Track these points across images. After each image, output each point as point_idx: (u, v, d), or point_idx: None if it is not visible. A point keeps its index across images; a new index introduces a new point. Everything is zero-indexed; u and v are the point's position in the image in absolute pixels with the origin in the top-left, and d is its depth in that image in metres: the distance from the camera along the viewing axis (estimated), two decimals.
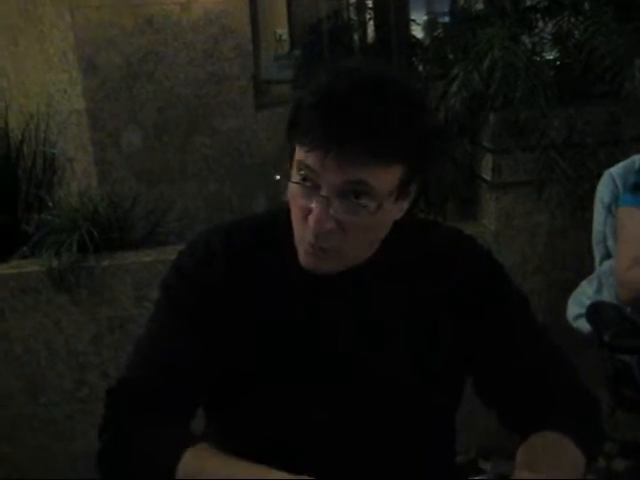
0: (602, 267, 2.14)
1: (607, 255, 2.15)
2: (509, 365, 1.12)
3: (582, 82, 2.52)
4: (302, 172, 0.98)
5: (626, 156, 2.18)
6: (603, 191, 2.15)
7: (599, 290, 2.11)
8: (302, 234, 1.02)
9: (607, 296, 2.06)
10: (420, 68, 3.08)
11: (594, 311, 1.97)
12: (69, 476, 2.58)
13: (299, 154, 0.98)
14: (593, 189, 2.22)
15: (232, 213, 3.02)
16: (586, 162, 2.45)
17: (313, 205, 0.97)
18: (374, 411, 1.10)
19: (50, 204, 2.66)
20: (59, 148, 2.97)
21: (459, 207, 2.69)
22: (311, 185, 0.98)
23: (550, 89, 2.37)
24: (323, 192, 0.96)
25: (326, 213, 0.97)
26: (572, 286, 2.23)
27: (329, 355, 1.09)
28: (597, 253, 2.18)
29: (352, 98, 0.94)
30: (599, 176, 2.20)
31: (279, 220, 1.12)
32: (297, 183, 0.99)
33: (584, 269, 2.28)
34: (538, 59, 2.53)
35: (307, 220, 0.99)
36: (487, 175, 2.51)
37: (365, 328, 1.10)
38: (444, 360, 1.12)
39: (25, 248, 2.55)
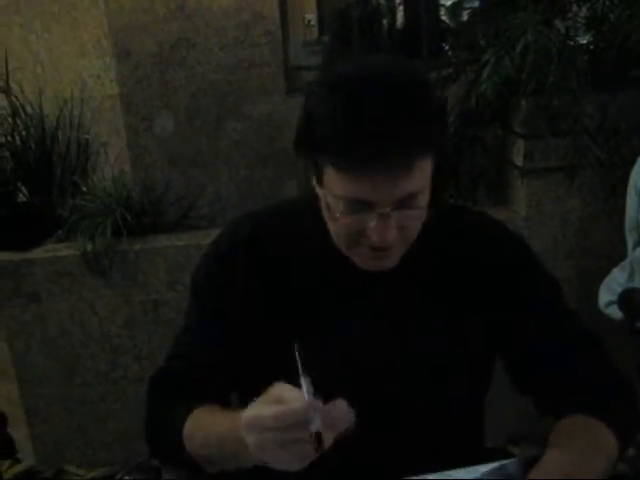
0: (635, 254, 2.12)
1: None
2: (541, 350, 1.12)
3: (616, 67, 2.48)
4: (347, 199, 0.97)
5: None
6: (637, 177, 2.13)
7: (631, 277, 2.09)
8: (355, 245, 1.03)
9: (639, 283, 2.04)
10: (450, 54, 3.06)
11: (626, 298, 1.95)
12: (103, 455, 2.64)
13: (335, 178, 0.96)
14: (626, 175, 2.20)
15: (263, 198, 3.04)
16: (620, 148, 2.42)
17: (371, 223, 0.98)
18: (404, 395, 1.11)
19: (84, 189, 2.70)
20: (93, 134, 3.01)
21: (489, 193, 2.68)
22: (360, 208, 0.98)
23: (583, 74, 2.34)
24: (380, 210, 0.97)
25: (388, 227, 0.98)
26: (603, 273, 2.21)
27: (360, 342, 1.10)
28: (630, 240, 2.16)
29: (384, 113, 0.92)
30: (633, 162, 2.17)
31: (308, 207, 1.13)
32: (346, 214, 0.99)
33: (616, 256, 2.26)
34: (572, 43, 2.49)
35: (360, 233, 1.00)
36: (518, 161, 2.50)
37: (396, 315, 1.11)
38: (474, 346, 1.13)
39: (60, 232, 2.60)
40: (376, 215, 0.97)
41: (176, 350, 1.17)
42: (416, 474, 1.03)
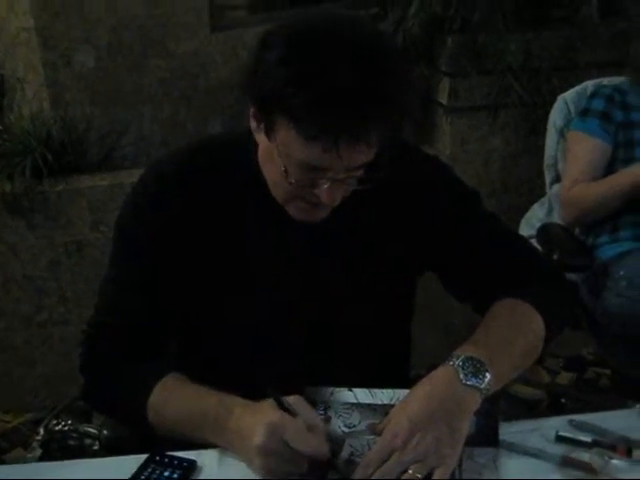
0: (552, 190, 2.19)
1: (557, 179, 2.20)
2: (471, 253, 1.16)
3: (540, 6, 2.52)
4: (303, 162, 0.96)
5: (580, 82, 2.20)
6: (556, 116, 2.18)
7: (549, 212, 2.17)
8: (295, 199, 1.03)
9: (557, 218, 2.12)
10: None
11: (544, 232, 2.03)
12: (31, 400, 2.60)
13: (294, 141, 0.94)
14: (547, 114, 2.25)
15: (187, 137, 2.98)
16: (541, 87, 2.47)
17: (324, 186, 0.98)
18: (333, 324, 1.13)
19: (0, 127, 2.59)
20: (8, 69, 2.87)
21: (414, 131, 2.70)
22: (314, 171, 0.97)
23: (509, 12, 2.36)
24: (334, 175, 0.97)
25: (339, 189, 1.00)
26: (524, 209, 2.28)
27: (287, 275, 1.12)
28: (548, 177, 2.23)
29: (358, 85, 0.90)
30: (553, 102, 2.22)
31: (237, 143, 1.12)
32: (298, 175, 0.97)
33: (535, 193, 2.33)
34: None
35: (306, 191, 1.00)
36: (443, 99, 2.52)
37: (321, 248, 1.12)
38: (398, 271, 1.16)
39: None
40: (329, 180, 0.98)
41: (110, 302, 1.15)
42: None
